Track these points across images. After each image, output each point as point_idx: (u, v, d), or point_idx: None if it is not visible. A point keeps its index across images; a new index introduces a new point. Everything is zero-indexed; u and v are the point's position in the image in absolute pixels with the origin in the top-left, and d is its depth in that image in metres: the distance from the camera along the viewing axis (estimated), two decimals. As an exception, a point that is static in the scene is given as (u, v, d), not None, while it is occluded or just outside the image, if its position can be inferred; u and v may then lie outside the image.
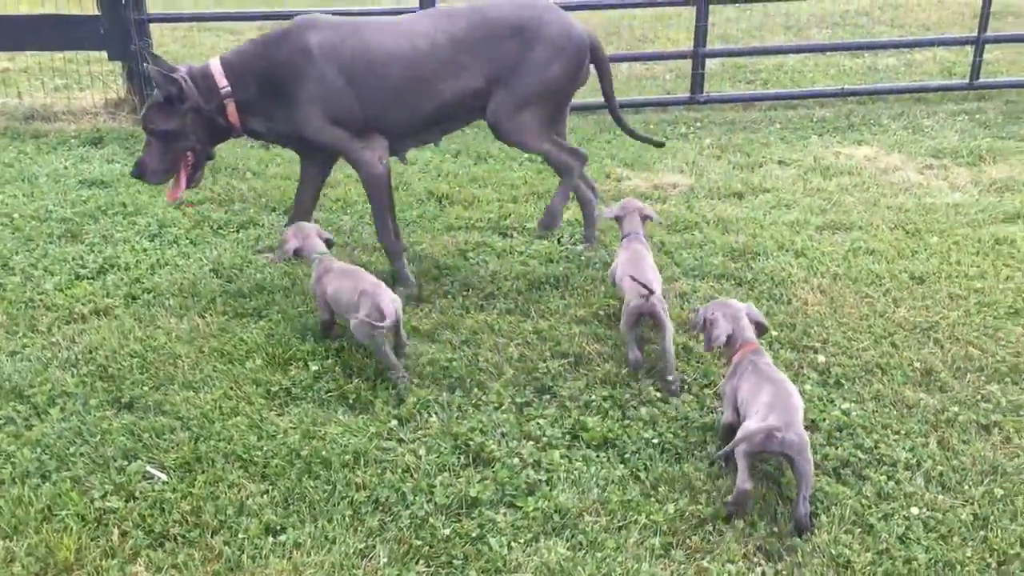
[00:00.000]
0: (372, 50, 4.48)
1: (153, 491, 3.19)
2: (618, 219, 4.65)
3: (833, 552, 2.91)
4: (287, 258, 4.32)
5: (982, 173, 6.44)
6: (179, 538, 2.99)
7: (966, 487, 3.23)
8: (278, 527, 3.04)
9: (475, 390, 3.81)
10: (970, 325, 4.28)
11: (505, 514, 3.11)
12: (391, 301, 3.83)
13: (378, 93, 4.49)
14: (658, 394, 3.75)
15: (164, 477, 3.27)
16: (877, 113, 8.02)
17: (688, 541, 2.99)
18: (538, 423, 3.58)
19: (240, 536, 2.99)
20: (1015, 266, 4.89)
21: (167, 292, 4.62)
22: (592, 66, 4.85)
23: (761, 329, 3.56)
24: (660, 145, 5.79)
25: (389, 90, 4.50)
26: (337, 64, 4.44)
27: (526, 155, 6.88)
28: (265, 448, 3.40)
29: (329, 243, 4.35)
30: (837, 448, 3.39)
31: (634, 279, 3.93)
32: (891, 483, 3.22)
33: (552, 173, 5.34)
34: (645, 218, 4.62)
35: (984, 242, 5.20)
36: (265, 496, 3.17)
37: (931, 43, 9.63)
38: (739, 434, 3.05)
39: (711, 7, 8.17)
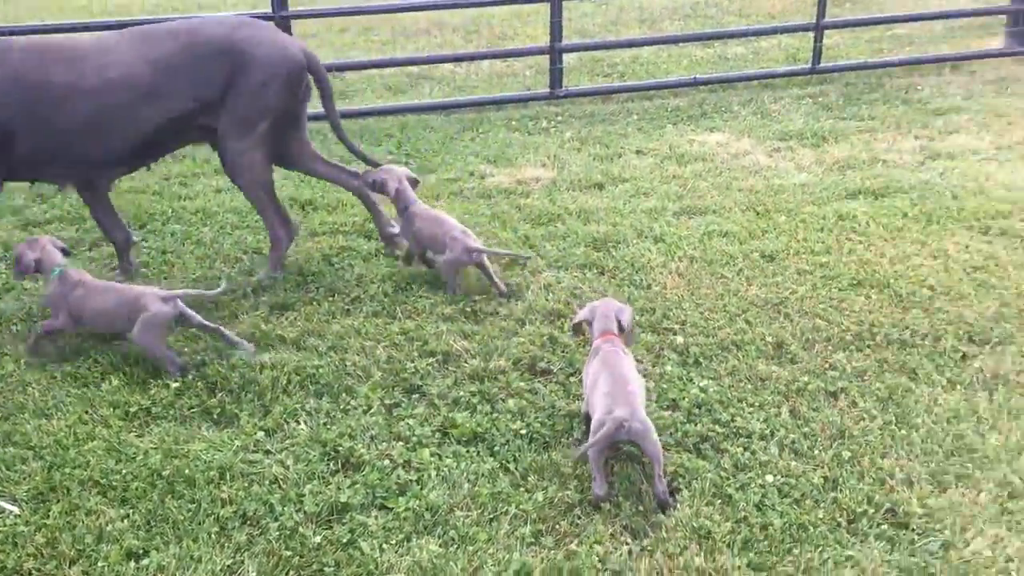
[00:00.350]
0: (54, 86, 4.24)
1: (4, 525, 3.05)
2: (376, 182, 4.81)
3: (695, 524, 3.02)
4: (30, 272, 4.13)
5: (825, 153, 6.77)
6: (34, 572, 2.87)
7: (816, 452, 3.39)
8: (140, 551, 2.95)
9: (343, 395, 3.78)
10: (817, 298, 4.50)
11: (376, 517, 3.10)
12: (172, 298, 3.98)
13: (63, 126, 4.28)
14: (525, 385, 3.81)
15: (16, 510, 3.13)
16: (728, 100, 8.32)
17: (557, 527, 3.05)
18: (408, 423, 3.58)
19: (100, 564, 2.89)
20: (856, 240, 5.17)
21: (14, 317, 4.42)
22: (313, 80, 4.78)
23: (619, 327, 3.60)
24: (376, 165, 5.14)
25: (77, 123, 4.29)
26: (13, 101, 4.19)
27: (389, 157, 6.86)
28: (124, 471, 3.29)
29: (65, 252, 4.23)
30: (696, 424, 3.52)
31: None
32: (747, 454, 3.37)
33: (417, 172, 5.28)
34: (414, 181, 4.87)
35: (828, 219, 5.47)
36: (125, 520, 3.07)
37: (775, 31, 10.05)
38: (591, 437, 3.14)
39: (566, 3, 8.31)
